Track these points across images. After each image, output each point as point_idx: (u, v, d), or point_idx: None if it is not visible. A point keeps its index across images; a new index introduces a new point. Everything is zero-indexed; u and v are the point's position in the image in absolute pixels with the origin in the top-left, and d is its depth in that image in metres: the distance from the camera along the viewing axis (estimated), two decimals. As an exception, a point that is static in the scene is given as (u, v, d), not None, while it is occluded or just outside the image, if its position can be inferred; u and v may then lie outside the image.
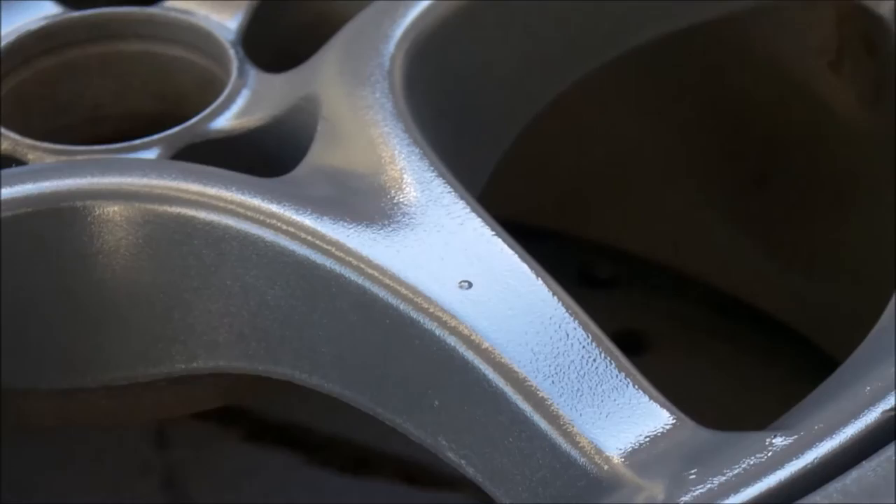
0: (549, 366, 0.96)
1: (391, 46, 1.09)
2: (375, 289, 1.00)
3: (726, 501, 0.87)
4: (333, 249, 1.02)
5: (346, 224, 1.02)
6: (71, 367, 1.07)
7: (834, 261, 1.42)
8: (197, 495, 1.39)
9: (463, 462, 1.00)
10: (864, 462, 0.87)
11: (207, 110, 1.12)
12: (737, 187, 1.45)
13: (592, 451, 0.93)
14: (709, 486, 0.88)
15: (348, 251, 1.01)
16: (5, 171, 1.07)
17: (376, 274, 1.01)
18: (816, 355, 1.44)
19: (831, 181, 1.38)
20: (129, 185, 1.05)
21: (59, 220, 1.05)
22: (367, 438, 1.38)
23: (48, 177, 1.06)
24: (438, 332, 0.98)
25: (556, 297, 0.99)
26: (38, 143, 1.10)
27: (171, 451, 1.39)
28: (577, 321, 0.98)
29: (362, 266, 1.01)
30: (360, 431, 1.37)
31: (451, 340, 0.98)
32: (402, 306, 1.00)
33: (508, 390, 0.96)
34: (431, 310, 0.99)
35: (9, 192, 1.04)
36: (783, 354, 1.46)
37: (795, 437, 0.90)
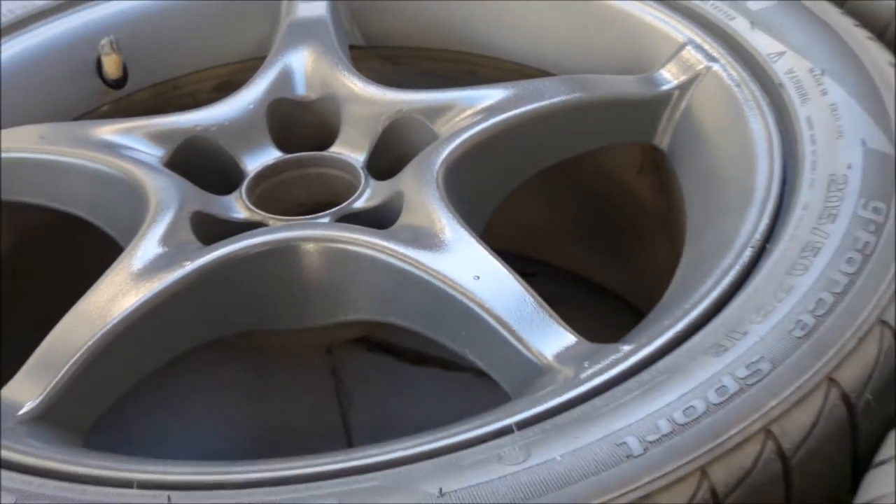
0: (517, 314, 0.97)
1: (437, 165, 1.08)
2: (433, 280, 1.00)
3: (603, 376, 0.87)
4: (413, 262, 1.01)
5: (418, 250, 1.02)
6: (290, 318, 1.06)
7: (633, 258, 1.36)
8: (346, 377, 1.36)
9: (477, 361, 1.00)
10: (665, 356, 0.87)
11: (350, 199, 1.10)
12: (584, 221, 1.41)
13: (538, 354, 0.95)
14: (592, 369, 0.89)
15: (419, 263, 1.01)
16: (262, 229, 1.06)
17: (433, 273, 1.00)
18: (629, 307, 1.37)
19: (634, 228, 1.34)
20: (319, 234, 1.05)
21: (285, 251, 1.04)
22: (421, 348, 1.35)
23: (281, 232, 1.05)
24: (463, 300, 0.99)
25: (518, 282, 0.99)
26: (274, 216, 1.09)
27: (333, 356, 1.36)
28: (529, 293, 0.98)
29: (426, 269, 1.01)
30: (419, 344, 1.33)
31: (471, 304, 0.98)
32: (446, 288, 1.00)
33: (498, 326, 0.97)
34: (461, 290, 0.99)
35: (265, 238, 1.03)
36: (611, 306, 1.38)
37: (633, 345, 0.91)
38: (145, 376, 1.01)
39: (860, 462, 0.83)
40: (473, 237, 1.02)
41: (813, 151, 1.02)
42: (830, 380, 0.84)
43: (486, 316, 0.97)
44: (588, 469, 0.78)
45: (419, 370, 1.34)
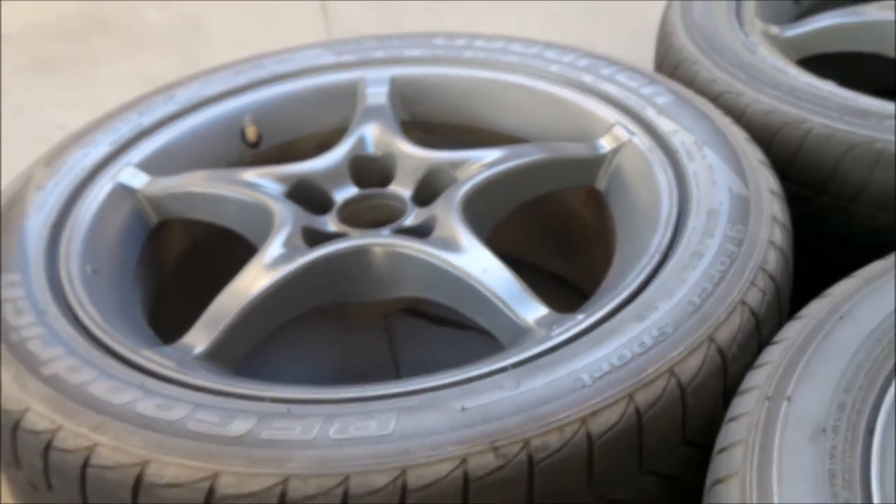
0: (510, 294, 0.96)
1: (457, 198, 1.06)
2: (456, 273, 0.99)
3: (565, 335, 0.87)
4: (443, 261, 1.00)
5: (447, 253, 1.01)
6: (361, 295, 1.05)
7: (583, 259, 1.33)
8: (396, 334, 1.33)
9: (484, 324, 0.99)
10: (605, 322, 0.87)
11: (402, 219, 1.09)
12: (551, 235, 1.37)
13: (523, 320, 0.94)
14: (559, 330, 0.89)
15: (447, 261, 1.00)
16: (346, 238, 1.04)
17: (456, 268, 0.99)
18: (576, 290, 1.37)
19: (583, 240, 1.30)
20: (383, 242, 1.03)
21: (360, 252, 1.02)
22: (445, 314, 1.28)
23: (358, 240, 1.03)
24: (476, 285, 0.98)
25: (511, 273, 0.98)
26: (354, 229, 1.07)
27: (390, 319, 1.33)
28: (517, 280, 0.97)
29: (452, 265, 0.99)
30: (443, 312, 1.26)
31: (480, 288, 0.97)
32: (464, 277, 0.99)
33: (498, 302, 0.96)
34: (474, 278, 0.98)
35: (348, 244, 1.02)
36: (566, 290, 1.37)
37: (585, 315, 0.90)
38: (272, 331, 1.00)
39: (729, 391, 0.83)
40: (481, 244, 1.02)
41: (697, 193, 1.02)
42: (710, 339, 0.84)
43: (490, 295, 0.96)
44: (557, 394, 0.79)
45: (443, 329, 1.30)
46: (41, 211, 1.05)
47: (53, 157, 1.13)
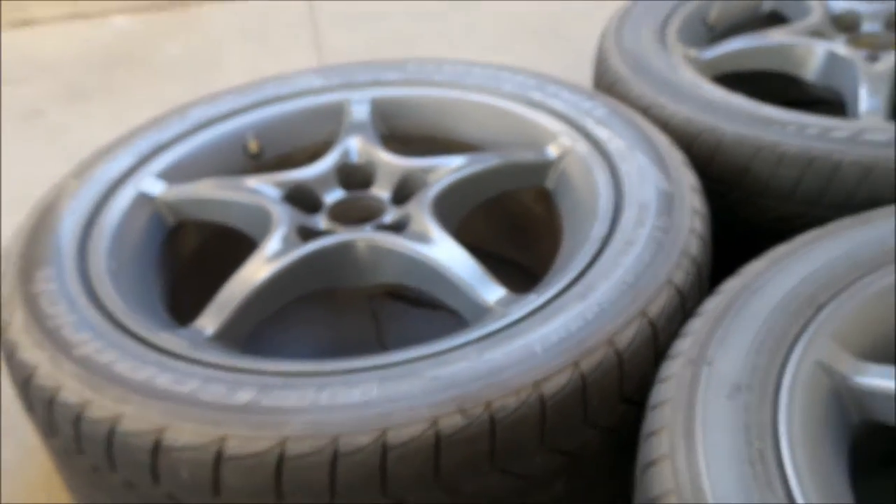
0: (474, 278, 0.95)
1: (429, 198, 1.04)
2: (428, 261, 0.97)
3: (521, 312, 0.85)
4: (417, 252, 0.98)
5: (420, 245, 0.99)
6: (349, 281, 1.02)
7: (536, 248, 1.28)
8: (380, 314, 1.29)
9: (452, 305, 0.97)
10: (555, 301, 0.85)
11: (381, 217, 1.06)
12: (508, 228, 1.33)
13: (485, 301, 0.93)
14: (516, 308, 0.86)
15: (420, 252, 0.98)
16: (334, 234, 1.01)
17: (428, 258, 0.97)
18: (530, 274, 1.34)
19: (536, 232, 1.26)
20: (366, 237, 1.00)
21: (347, 246, 1.00)
22: (420, 297, 1.25)
23: (344, 235, 1.01)
24: (444, 271, 0.96)
25: (474, 261, 0.96)
26: (340, 226, 1.04)
27: (373, 302, 1.29)
28: (480, 266, 0.96)
29: (424, 256, 0.97)
30: (419, 295, 1.24)
31: (447, 272, 0.96)
32: (435, 266, 0.97)
33: (464, 286, 0.94)
34: (443, 266, 0.96)
35: (336, 239, 0.99)
36: (520, 273, 1.31)
37: (537, 294, 0.88)
38: (272, 313, 0.98)
39: (659, 357, 0.81)
40: (449, 237, 1.00)
41: (630, 191, 1.00)
42: (643, 313, 0.83)
43: (456, 280, 0.95)
44: (514, 362, 0.77)
45: (419, 310, 1.28)
46: (73, 216, 1.02)
47: (83, 170, 1.10)
